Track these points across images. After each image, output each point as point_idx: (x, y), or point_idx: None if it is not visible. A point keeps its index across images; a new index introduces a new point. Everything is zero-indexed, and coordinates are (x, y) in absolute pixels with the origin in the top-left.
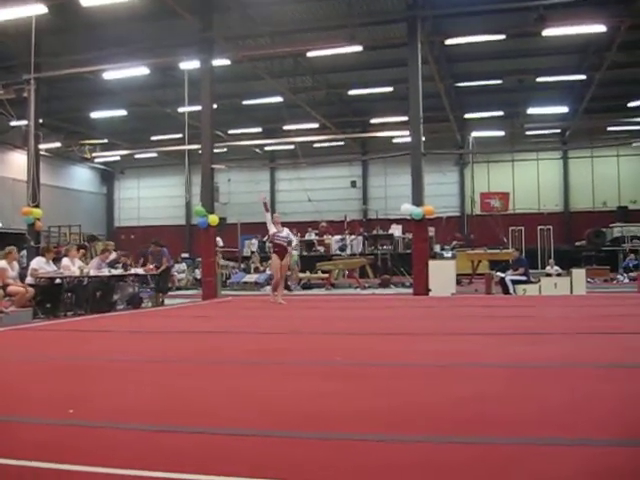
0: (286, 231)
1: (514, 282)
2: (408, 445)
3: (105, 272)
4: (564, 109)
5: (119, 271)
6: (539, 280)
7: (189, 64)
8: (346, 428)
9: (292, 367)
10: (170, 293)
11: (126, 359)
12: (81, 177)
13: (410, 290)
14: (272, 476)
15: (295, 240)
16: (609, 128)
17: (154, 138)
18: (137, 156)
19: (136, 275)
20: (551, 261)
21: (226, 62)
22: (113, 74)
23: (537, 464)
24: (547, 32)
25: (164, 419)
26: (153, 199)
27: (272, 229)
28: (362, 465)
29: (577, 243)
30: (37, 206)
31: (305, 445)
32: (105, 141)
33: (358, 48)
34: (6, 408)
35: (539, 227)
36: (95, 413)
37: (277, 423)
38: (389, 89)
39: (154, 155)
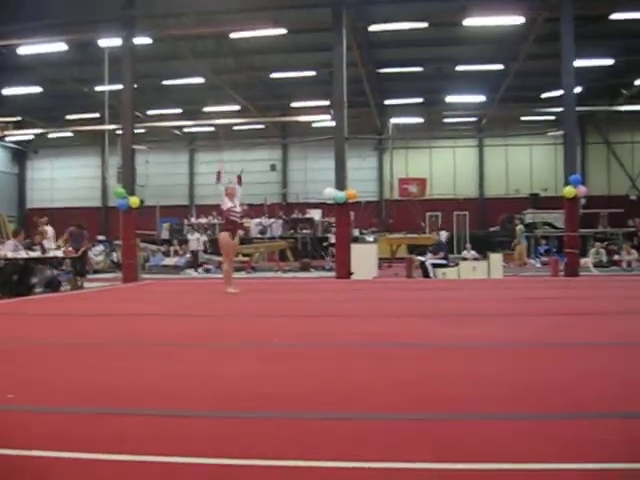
0: (238, 204)
1: (434, 266)
2: (364, 422)
3: (22, 254)
4: (481, 98)
5: (37, 253)
6: (458, 264)
7: (109, 41)
8: (301, 407)
9: (231, 349)
10: (88, 276)
11: (55, 343)
12: None
13: (331, 274)
14: (232, 455)
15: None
16: (523, 118)
17: (70, 117)
18: (51, 135)
19: (54, 258)
20: (468, 245)
21: (147, 40)
22: (28, 49)
23: (492, 438)
24: (468, 22)
25: (107, 401)
26: (68, 180)
27: (228, 203)
28: (322, 443)
29: (491, 228)
30: None
31: (265, 424)
32: (18, 119)
33: (282, 31)
34: None
35: (455, 213)
36: (34, 397)
37: (231, 404)
38: (311, 73)
39: (69, 135)
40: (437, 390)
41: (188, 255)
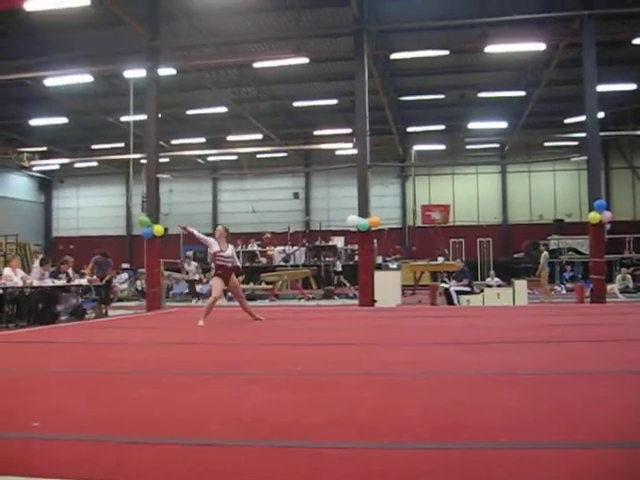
0: (231, 249)
1: (458, 293)
2: (387, 452)
3: (48, 282)
4: (503, 124)
5: (62, 282)
6: (482, 291)
7: (134, 72)
8: (323, 436)
9: (254, 377)
10: (112, 304)
11: (80, 371)
12: (18, 185)
13: (354, 301)
14: None
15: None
16: (546, 143)
17: (95, 147)
18: (77, 165)
19: (79, 286)
20: (492, 272)
21: (171, 71)
22: (55, 81)
23: (516, 467)
24: (489, 49)
25: (130, 431)
26: (93, 209)
27: (214, 247)
28: (345, 473)
29: (515, 255)
30: None
31: (286, 454)
32: (44, 149)
33: (304, 60)
34: None
35: (479, 239)
36: (59, 425)
37: (252, 433)
38: (333, 101)
39: (94, 164)
40: (460, 418)
41: (181, 284)
